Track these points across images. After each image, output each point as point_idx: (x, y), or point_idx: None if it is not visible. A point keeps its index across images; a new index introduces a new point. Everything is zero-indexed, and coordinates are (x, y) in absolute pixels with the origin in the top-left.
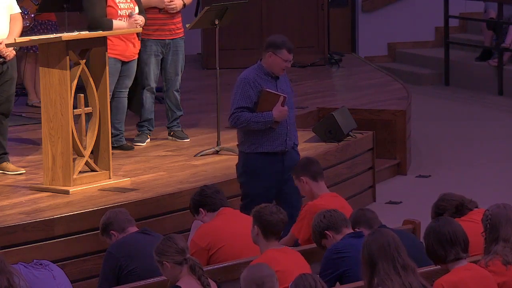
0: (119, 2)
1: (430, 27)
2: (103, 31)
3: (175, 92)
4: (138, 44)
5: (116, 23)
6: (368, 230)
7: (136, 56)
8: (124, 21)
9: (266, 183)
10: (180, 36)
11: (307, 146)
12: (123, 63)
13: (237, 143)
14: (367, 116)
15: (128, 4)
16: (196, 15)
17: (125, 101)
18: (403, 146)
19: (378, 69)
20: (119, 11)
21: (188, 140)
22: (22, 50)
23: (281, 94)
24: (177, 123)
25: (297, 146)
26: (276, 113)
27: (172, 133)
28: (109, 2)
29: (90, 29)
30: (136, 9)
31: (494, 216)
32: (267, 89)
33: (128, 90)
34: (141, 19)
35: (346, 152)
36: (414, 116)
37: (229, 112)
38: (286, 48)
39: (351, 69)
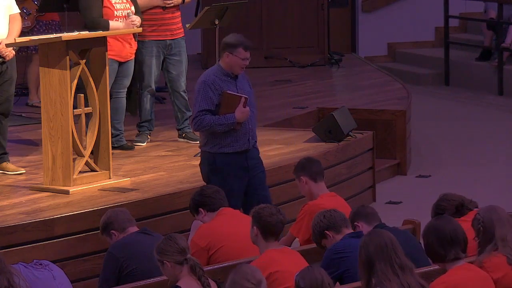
0: (115, 3)
1: (430, 27)
2: (100, 31)
3: (182, 93)
4: (134, 44)
5: (112, 23)
6: (366, 225)
7: (133, 56)
8: (120, 21)
9: (234, 179)
10: (181, 36)
11: (307, 146)
12: (120, 63)
13: (200, 143)
14: (367, 116)
15: (124, 4)
16: (196, 15)
17: (123, 101)
18: (403, 146)
19: (378, 69)
20: (115, 12)
21: None
22: (30, 51)
23: (242, 95)
24: (188, 124)
25: (256, 143)
26: (238, 114)
27: (184, 134)
28: (105, 3)
29: (87, 29)
30: (133, 9)
31: (486, 219)
32: (228, 91)
33: (126, 90)
34: (137, 20)
35: (346, 152)
36: (414, 116)
37: (192, 115)
38: (242, 47)
39: (351, 69)
